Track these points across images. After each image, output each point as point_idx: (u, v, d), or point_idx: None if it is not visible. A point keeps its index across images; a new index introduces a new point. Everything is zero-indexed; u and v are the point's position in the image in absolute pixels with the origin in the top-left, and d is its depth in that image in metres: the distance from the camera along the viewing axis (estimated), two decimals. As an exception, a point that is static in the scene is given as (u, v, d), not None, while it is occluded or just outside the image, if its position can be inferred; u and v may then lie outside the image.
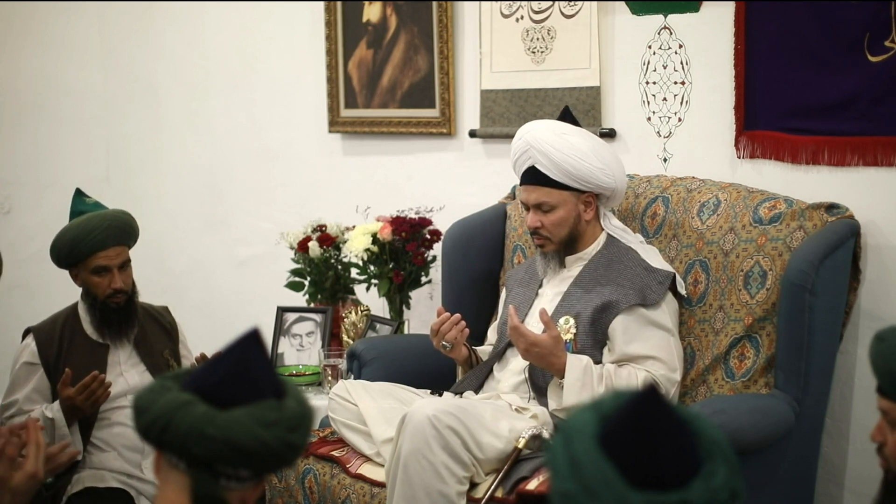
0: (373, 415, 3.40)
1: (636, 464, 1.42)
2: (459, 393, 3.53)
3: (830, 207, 3.38)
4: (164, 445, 1.71)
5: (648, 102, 3.95)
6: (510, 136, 4.19)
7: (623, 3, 3.97)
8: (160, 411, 1.70)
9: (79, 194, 3.67)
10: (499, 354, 3.55)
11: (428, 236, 4.36)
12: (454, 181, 4.55)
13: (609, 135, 3.99)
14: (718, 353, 3.39)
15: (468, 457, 3.15)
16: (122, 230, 3.57)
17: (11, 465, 2.11)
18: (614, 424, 1.44)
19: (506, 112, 4.31)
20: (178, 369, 1.88)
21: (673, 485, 1.42)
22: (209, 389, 1.71)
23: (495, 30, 4.32)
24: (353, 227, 4.46)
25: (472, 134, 4.43)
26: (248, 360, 1.73)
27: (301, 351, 4.43)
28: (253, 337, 1.75)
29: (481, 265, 4.01)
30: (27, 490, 2.12)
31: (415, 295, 4.51)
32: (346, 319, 4.35)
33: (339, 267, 4.50)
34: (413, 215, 4.39)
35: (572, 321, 3.39)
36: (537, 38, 4.20)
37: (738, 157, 3.72)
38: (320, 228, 4.51)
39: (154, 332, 3.68)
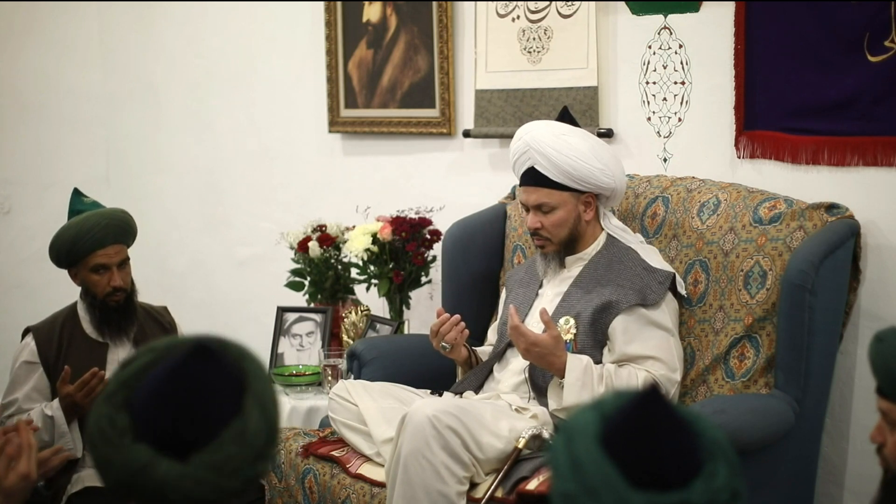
0: (373, 415, 3.40)
1: (637, 464, 1.42)
2: (459, 393, 3.53)
3: (830, 207, 3.38)
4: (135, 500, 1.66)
5: (648, 102, 3.95)
6: (505, 136, 4.21)
7: (623, 2, 3.97)
8: (121, 476, 1.62)
9: (77, 194, 3.68)
10: (499, 354, 3.56)
11: (428, 236, 4.36)
12: (454, 181, 4.55)
13: (607, 135, 3.98)
14: (718, 353, 3.40)
15: (468, 457, 3.15)
16: (121, 228, 3.57)
17: (8, 464, 2.11)
18: (616, 425, 1.44)
19: (501, 112, 4.31)
20: (129, 382, 1.73)
21: (674, 485, 1.42)
22: (164, 436, 1.59)
23: (491, 29, 4.32)
24: (353, 227, 4.46)
25: (467, 134, 4.43)
26: (198, 388, 1.59)
27: (301, 351, 4.43)
28: (197, 354, 1.60)
29: (481, 265, 4.01)
30: (20, 491, 2.12)
31: (415, 295, 4.51)
32: (346, 319, 4.35)
33: (339, 267, 4.50)
34: (413, 215, 4.39)
35: (572, 321, 3.39)
36: (534, 38, 4.20)
37: (738, 157, 3.72)
38: (320, 228, 4.51)
39: (153, 331, 3.68)
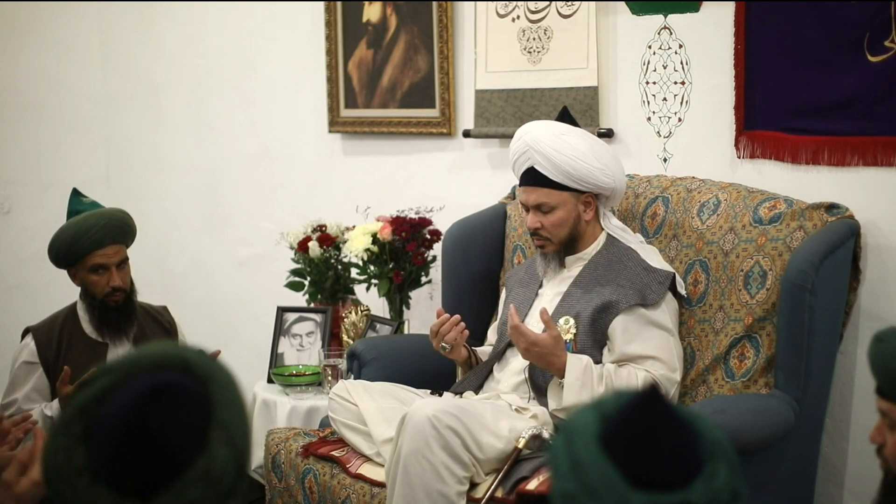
0: (373, 415, 3.40)
1: (638, 464, 1.41)
2: (459, 393, 3.53)
3: (830, 207, 3.38)
4: None
5: (648, 102, 3.95)
6: (505, 136, 4.21)
7: (623, 2, 3.97)
8: None
9: (76, 194, 3.68)
10: (499, 354, 3.56)
11: (428, 236, 4.36)
12: (454, 181, 4.55)
13: (607, 135, 3.99)
14: (718, 353, 3.39)
15: (468, 457, 3.15)
16: (120, 229, 3.57)
17: (20, 470, 2.10)
18: (616, 424, 1.44)
19: (501, 112, 4.31)
20: (83, 410, 1.62)
21: (674, 485, 1.42)
22: (124, 478, 1.49)
23: (491, 30, 4.32)
24: (353, 227, 4.46)
25: (467, 134, 4.43)
26: (160, 427, 1.48)
27: (301, 351, 4.43)
28: (158, 388, 1.48)
29: (481, 265, 4.01)
30: (32, 497, 2.11)
31: (415, 295, 4.51)
32: (346, 319, 4.35)
33: (339, 267, 4.50)
34: (413, 215, 4.39)
35: (572, 321, 3.39)
36: (534, 38, 4.20)
37: (738, 157, 3.72)
38: (320, 228, 4.51)
39: (153, 331, 3.69)
